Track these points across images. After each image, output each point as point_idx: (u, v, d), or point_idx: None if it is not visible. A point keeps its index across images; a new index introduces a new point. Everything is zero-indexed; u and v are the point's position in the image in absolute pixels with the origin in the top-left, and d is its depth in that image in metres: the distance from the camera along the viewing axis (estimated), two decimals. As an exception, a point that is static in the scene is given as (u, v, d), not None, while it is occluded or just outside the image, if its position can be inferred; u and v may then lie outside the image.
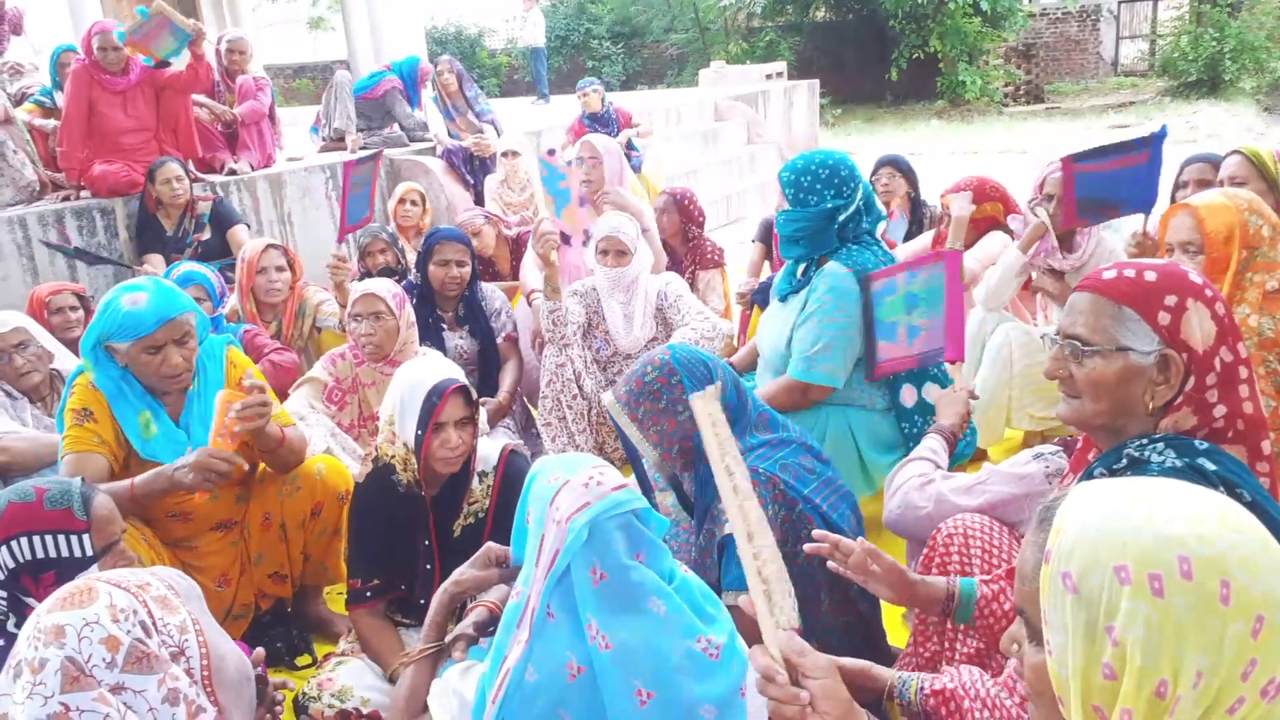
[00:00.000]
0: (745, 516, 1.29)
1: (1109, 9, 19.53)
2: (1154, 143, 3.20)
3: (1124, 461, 1.52)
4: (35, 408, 3.18)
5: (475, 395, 2.36)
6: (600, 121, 7.42)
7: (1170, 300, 1.51)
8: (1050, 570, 0.93)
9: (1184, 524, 0.89)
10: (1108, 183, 3.20)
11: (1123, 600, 0.88)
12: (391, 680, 2.30)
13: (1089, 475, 1.57)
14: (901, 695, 1.71)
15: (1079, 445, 1.83)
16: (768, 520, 2.07)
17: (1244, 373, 1.55)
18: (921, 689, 1.68)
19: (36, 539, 1.75)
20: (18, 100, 5.83)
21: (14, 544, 1.74)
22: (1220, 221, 2.47)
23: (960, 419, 2.43)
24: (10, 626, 1.79)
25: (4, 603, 1.78)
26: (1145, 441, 1.52)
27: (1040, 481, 1.97)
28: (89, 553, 1.77)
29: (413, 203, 5.49)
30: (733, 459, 1.32)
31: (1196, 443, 1.49)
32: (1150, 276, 1.54)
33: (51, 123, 5.57)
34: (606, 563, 1.63)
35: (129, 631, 1.18)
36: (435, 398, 2.25)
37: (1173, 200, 3.71)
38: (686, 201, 4.62)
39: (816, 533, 1.87)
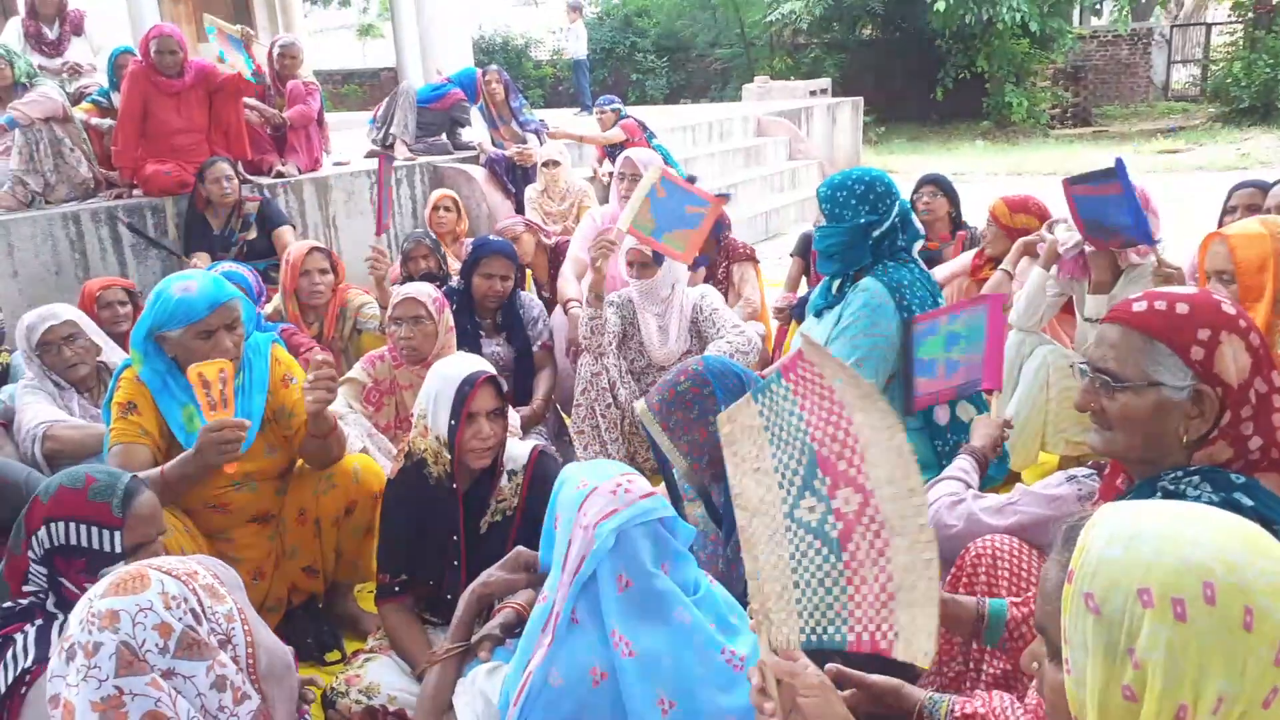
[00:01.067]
0: (752, 534, 1.31)
1: (1161, 33, 19.27)
2: (1119, 173, 2.94)
3: (1159, 495, 1.50)
4: (82, 398, 3.26)
5: (505, 388, 2.40)
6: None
7: (1203, 334, 1.48)
8: (1073, 590, 0.94)
9: (1209, 549, 0.88)
10: (1101, 207, 3.06)
11: (1144, 623, 0.88)
12: (418, 677, 2.33)
13: None
14: (932, 715, 1.70)
15: (1108, 470, 1.82)
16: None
17: (1278, 402, 1.52)
18: (951, 710, 1.68)
19: (74, 525, 1.79)
20: (76, 100, 5.98)
21: (54, 525, 1.79)
22: (1253, 250, 2.44)
23: (993, 443, 2.42)
24: (50, 605, 1.84)
25: (44, 579, 1.82)
26: (1180, 474, 1.50)
27: (1072, 503, 1.96)
28: (118, 550, 1.80)
29: (446, 209, 5.57)
30: (748, 473, 1.33)
31: (1234, 476, 1.47)
32: (1182, 309, 1.51)
33: (107, 122, 5.72)
34: (632, 570, 1.64)
35: (180, 619, 1.21)
36: (467, 387, 2.29)
37: (1220, 225, 3.66)
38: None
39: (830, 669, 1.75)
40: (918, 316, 2.84)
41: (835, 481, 1.28)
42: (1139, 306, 1.55)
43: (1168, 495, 1.48)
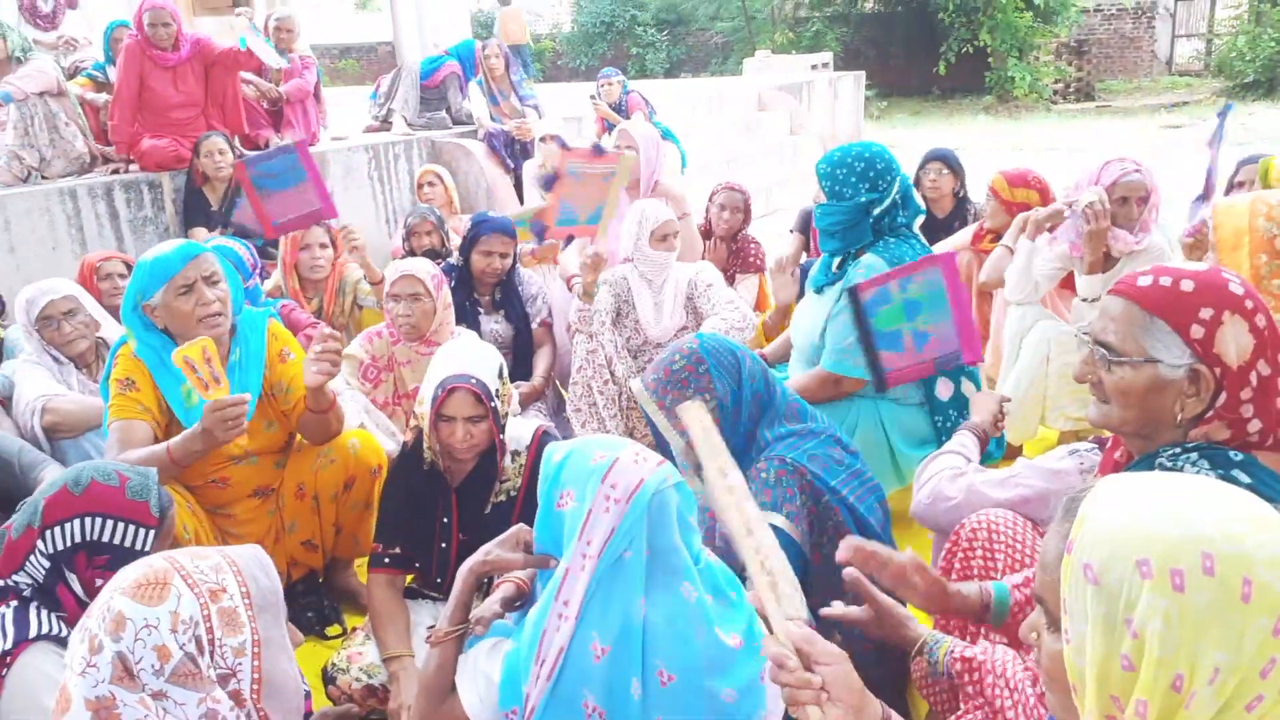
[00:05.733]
0: (743, 515, 1.31)
1: (1165, 6, 19.10)
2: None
3: (1157, 471, 1.49)
4: (81, 374, 3.25)
5: (493, 391, 2.31)
6: (614, 111, 7.47)
7: (1205, 314, 1.47)
8: (1072, 561, 0.93)
9: (1209, 520, 0.88)
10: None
11: (1143, 594, 0.88)
12: (385, 661, 2.31)
13: None
14: (931, 653, 1.69)
15: (1109, 444, 1.82)
16: (797, 509, 2.10)
17: None
18: (951, 651, 1.67)
19: (110, 522, 1.76)
20: (71, 74, 5.93)
21: (88, 520, 1.76)
22: (1230, 226, 2.43)
23: (992, 419, 2.40)
24: (26, 592, 1.78)
25: (42, 571, 1.77)
26: (1179, 451, 1.49)
27: (1074, 478, 1.95)
28: (147, 549, 1.78)
29: (430, 184, 5.55)
30: (725, 461, 1.34)
31: (1231, 454, 1.46)
32: (1187, 286, 1.49)
33: (103, 97, 5.68)
34: (654, 540, 1.63)
35: (183, 646, 1.18)
36: (440, 391, 2.26)
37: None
38: (749, 203, 4.61)
39: (849, 540, 1.75)
40: (860, 284, 2.69)
41: None
42: (1144, 281, 1.53)
43: (1165, 471, 1.48)
